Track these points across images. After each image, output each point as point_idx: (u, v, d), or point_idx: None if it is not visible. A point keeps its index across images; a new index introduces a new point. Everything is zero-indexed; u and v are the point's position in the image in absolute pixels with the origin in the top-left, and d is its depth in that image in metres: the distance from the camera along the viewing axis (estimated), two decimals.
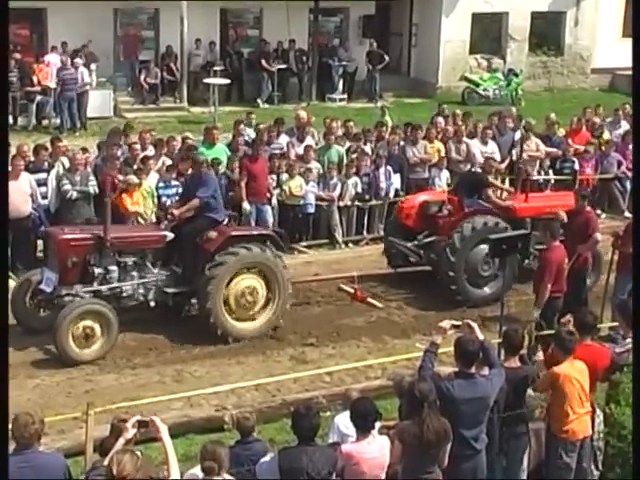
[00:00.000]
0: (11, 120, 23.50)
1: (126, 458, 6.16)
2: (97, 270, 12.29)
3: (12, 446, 7.01)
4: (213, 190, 12.89)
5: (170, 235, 12.74)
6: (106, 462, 6.44)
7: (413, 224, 14.91)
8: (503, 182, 18.31)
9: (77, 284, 12.21)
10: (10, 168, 13.96)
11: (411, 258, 14.87)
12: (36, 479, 6.64)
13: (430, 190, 16.53)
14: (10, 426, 6.84)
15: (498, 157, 17.84)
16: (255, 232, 13.31)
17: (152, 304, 12.64)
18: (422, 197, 15.28)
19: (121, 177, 14.76)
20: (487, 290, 14.23)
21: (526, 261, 14.52)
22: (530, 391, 8.74)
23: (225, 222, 13.19)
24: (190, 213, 12.85)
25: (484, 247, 13.98)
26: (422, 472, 7.31)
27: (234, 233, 12.85)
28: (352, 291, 14.44)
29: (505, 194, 15.51)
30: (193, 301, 12.89)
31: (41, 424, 6.83)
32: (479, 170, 15.61)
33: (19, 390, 11.16)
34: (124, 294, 12.49)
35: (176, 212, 12.87)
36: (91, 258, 12.31)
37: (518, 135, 18.25)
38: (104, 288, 12.32)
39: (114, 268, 12.40)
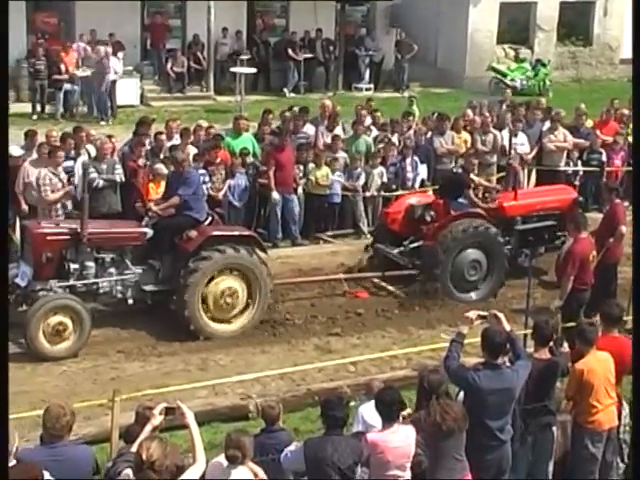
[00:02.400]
0: (39, 108, 23.73)
1: (155, 444, 6.21)
2: (73, 266, 12.04)
3: (38, 432, 7.09)
4: (194, 189, 12.75)
5: (150, 232, 12.53)
6: (134, 449, 6.47)
7: (400, 229, 14.61)
8: (530, 173, 18.29)
9: (52, 279, 11.95)
10: (36, 156, 14.05)
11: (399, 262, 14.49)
12: (64, 472, 6.66)
13: (419, 192, 16.13)
14: (42, 417, 6.88)
15: (527, 148, 17.78)
16: (236, 233, 13.00)
17: (130, 301, 12.40)
18: (408, 201, 14.92)
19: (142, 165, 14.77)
20: (473, 295, 14.05)
21: (519, 259, 14.40)
22: (558, 383, 8.70)
23: (207, 222, 12.87)
24: (171, 211, 12.72)
25: (470, 251, 13.90)
26: (451, 459, 7.30)
27: (214, 233, 12.58)
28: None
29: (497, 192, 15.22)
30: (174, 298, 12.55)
31: (72, 416, 6.88)
32: (460, 169, 15.21)
33: (46, 376, 11.28)
34: (101, 290, 12.25)
35: (155, 208, 12.74)
36: (67, 253, 12.06)
37: (547, 126, 18.15)
38: (79, 284, 12.09)
39: (91, 264, 12.16)
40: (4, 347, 7.13)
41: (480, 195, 14.90)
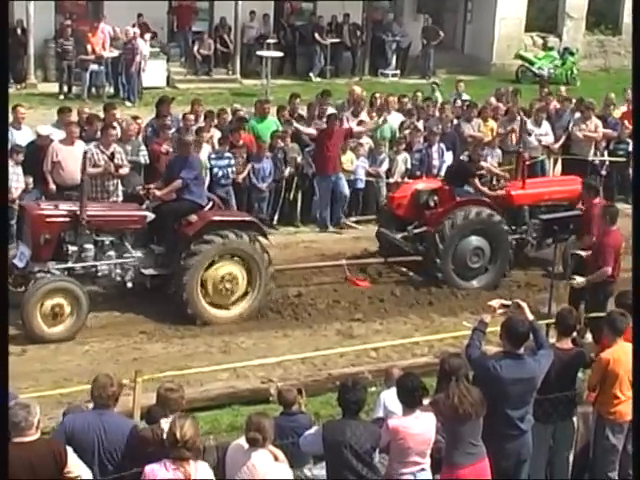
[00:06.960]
0: (65, 88, 23.80)
1: (188, 423, 6.33)
2: (72, 248, 11.96)
3: (61, 409, 7.12)
4: (197, 173, 12.68)
5: (151, 216, 12.41)
6: (165, 427, 6.60)
7: (404, 214, 14.54)
8: (555, 162, 18.20)
9: (50, 261, 11.89)
10: (65, 135, 14.07)
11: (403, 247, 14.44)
12: (110, 438, 6.93)
13: (427, 178, 16.01)
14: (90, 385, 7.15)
15: (551, 139, 17.69)
16: (237, 218, 12.93)
17: (129, 285, 12.31)
18: (415, 186, 14.83)
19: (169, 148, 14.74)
20: (475, 283, 13.97)
21: (525, 249, 14.39)
22: (580, 374, 8.67)
23: (208, 207, 12.76)
24: (172, 195, 12.62)
25: (473, 238, 13.83)
26: (467, 444, 7.29)
27: (215, 218, 12.49)
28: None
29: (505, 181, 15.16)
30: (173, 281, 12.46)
31: (119, 387, 7.11)
32: (466, 158, 15.11)
33: (69, 355, 11.36)
34: (99, 273, 12.15)
35: (158, 193, 12.60)
36: (66, 235, 11.98)
37: (576, 115, 18.04)
38: (78, 266, 12.02)
39: (90, 247, 12.06)
40: (4, 351, 7.11)
41: (490, 182, 14.86)
